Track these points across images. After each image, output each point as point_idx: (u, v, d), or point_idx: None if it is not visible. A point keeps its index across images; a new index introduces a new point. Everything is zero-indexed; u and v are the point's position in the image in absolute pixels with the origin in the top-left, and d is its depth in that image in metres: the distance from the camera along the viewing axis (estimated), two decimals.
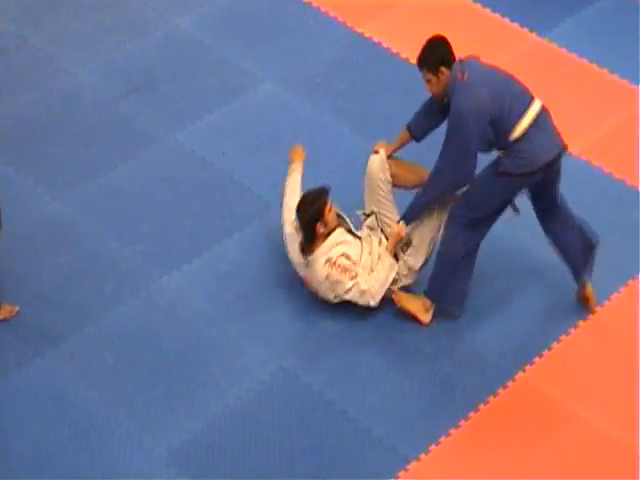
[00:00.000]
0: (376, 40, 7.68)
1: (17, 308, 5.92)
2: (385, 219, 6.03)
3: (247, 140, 7.01)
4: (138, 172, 6.76)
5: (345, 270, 5.82)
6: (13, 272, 6.11)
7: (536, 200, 5.85)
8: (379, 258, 5.91)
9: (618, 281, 6.15)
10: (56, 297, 6.01)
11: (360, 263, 5.87)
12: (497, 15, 7.87)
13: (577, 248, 5.88)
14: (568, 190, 6.60)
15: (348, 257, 5.84)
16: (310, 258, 5.87)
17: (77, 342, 5.81)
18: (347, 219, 6.04)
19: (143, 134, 7.00)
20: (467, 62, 5.61)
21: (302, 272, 6.00)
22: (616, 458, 5.40)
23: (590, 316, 5.98)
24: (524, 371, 5.74)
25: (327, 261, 5.81)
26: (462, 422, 5.52)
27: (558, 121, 7.01)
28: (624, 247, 6.33)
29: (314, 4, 7.98)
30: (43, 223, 6.40)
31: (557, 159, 5.64)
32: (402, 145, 6.05)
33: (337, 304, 5.96)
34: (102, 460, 5.34)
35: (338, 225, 5.95)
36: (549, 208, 5.85)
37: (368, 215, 6.08)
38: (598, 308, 6.01)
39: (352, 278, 5.83)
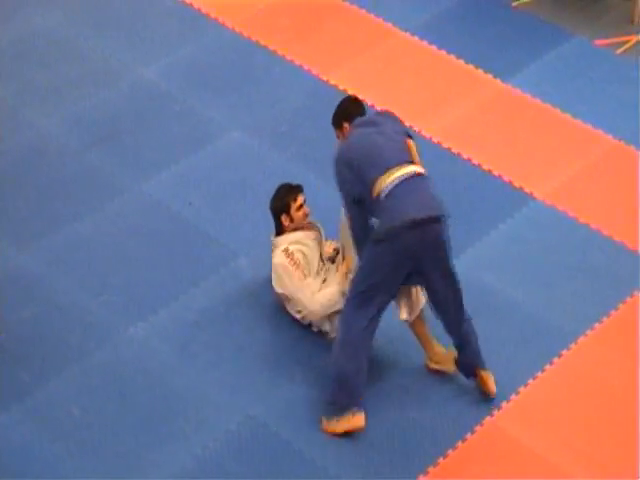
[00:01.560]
0: (341, 88, 7.73)
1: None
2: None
3: (214, 189, 7.01)
4: (104, 223, 6.75)
5: (298, 267, 6.00)
6: None
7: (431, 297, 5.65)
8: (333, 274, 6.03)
9: (584, 324, 6.17)
10: (22, 351, 5.97)
11: (313, 270, 6.05)
12: (461, 61, 7.93)
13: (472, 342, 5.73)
14: (533, 234, 6.70)
15: (305, 257, 6.04)
16: (275, 240, 6.14)
17: (43, 395, 5.76)
18: (321, 230, 6.26)
19: (109, 185, 6.99)
20: (370, 115, 5.89)
21: None
22: None
23: (556, 360, 5.99)
24: (492, 416, 5.73)
25: (285, 250, 6.03)
26: (430, 468, 5.50)
27: (523, 167, 7.16)
28: (589, 290, 6.35)
29: (279, 53, 8.03)
30: (8, 276, 6.37)
31: (429, 225, 5.35)
32: None
33: (302, 349, 5.98)
34: None
35: (308, 228, 6.19)
36: (446, 312, 5.66)
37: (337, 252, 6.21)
38: (565, 351, 6.03)
39: (302, 278, 5.97)
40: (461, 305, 5.64)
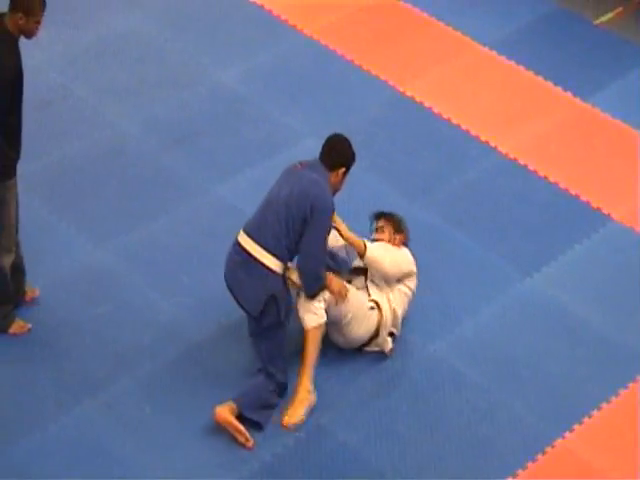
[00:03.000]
0: (417, 100, 7.71)
1: (29, 326, 6.04)
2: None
3: None
4: (179, 224, 6.78)
5: None
6: (54, 320, 6.13)
7: None
8: None
9: None
10: (95, 346, 6.02)
11: None
12: (540, 78, 7.88)
13: None
14: (610, 255, 6.63)
15: None
16: None
17: (116, 392, 5.80)
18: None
19: (185, 187, 7.03)
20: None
21: None
22: None
23: (631, 384, 5.92)
24: (563, 438, 5.68)
25: None
26: None
27: (601, 187, 7.08)
28: None
29: (356, 62, 8.03)
30: (85, 272, 6.42)
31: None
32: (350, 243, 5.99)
33: (374, 362, 5.96)
34: None
35: None
36: None
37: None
38: (639, 376, 5.96)
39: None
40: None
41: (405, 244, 6.17)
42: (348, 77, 7.95)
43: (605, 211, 6.91)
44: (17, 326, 6.03)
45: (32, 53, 7.94)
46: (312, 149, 7.33)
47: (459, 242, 6.73)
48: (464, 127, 7.50)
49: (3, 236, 5.78)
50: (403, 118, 7.64)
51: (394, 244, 6.09)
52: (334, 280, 5.76)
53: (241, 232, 5.74)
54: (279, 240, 5.62)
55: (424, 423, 5.73)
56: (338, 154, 5.83)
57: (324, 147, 5.86)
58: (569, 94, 7.76)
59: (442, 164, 7.28)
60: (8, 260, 5.85)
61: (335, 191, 5.85)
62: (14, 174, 5.72)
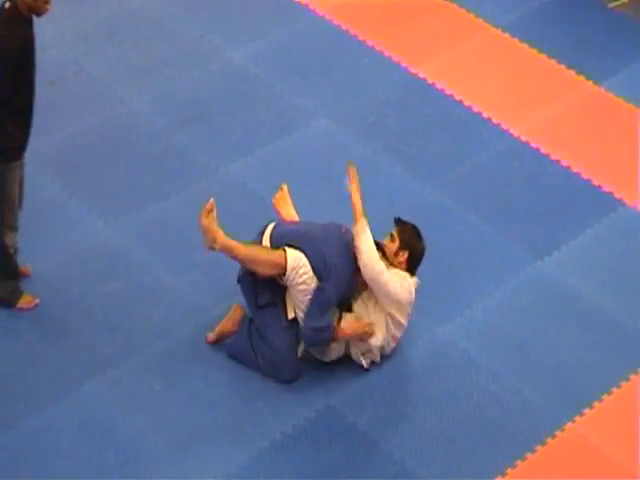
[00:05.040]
0: (430, 81, 7.69)
1: (37, 300, 6.06)
2: None
3: (299, 175, 6.99)
4: (190, 203, 6.76)
5: None
6: (65, 296, 6.14)
7: None
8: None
9: None
10: (106, 324, 6.02)
11: None
12: (553, 61, 7.85)
13: None
14: (622, 240, 6.63)
15: None
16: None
17: (126, 369, 5.81)
18: None
19: (195, 165, 7.02)
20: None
21: None
22: None
23: None
24: (574, 422, 5.67)
25: None
26: (509, 470, 5.45)
27: (613, 171, 7.06)
28: None
29: (369, 43, 8.00)
30: (95, 249, 6.42)
31: None
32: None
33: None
34: None
35: None
36: None
37: None
38: None
39: None
40: None
41: (410, 270, 5.84)
42: (360, 57, 7.92)
43: (617, 195, 6.89)
44: (25, 301, 6.04)
45: (44, 28, 7.91)
46: (323, 130, 7.36)
47: (470, 224, 6.72)
48: (476, 109, 7.48)
49: (6, 214, 5.78)
50: (415, 99, 7.61)
51: (397, 258, 5.81)
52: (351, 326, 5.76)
53: (269, 227, 5.92)
54: None
55: (433, 405, 5.73)
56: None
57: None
58: (582, 77, 7.73)
59: (454, 146, 7.26)
60: (13, 238, 5.88)
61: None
62: (17, 158, 5.70)
